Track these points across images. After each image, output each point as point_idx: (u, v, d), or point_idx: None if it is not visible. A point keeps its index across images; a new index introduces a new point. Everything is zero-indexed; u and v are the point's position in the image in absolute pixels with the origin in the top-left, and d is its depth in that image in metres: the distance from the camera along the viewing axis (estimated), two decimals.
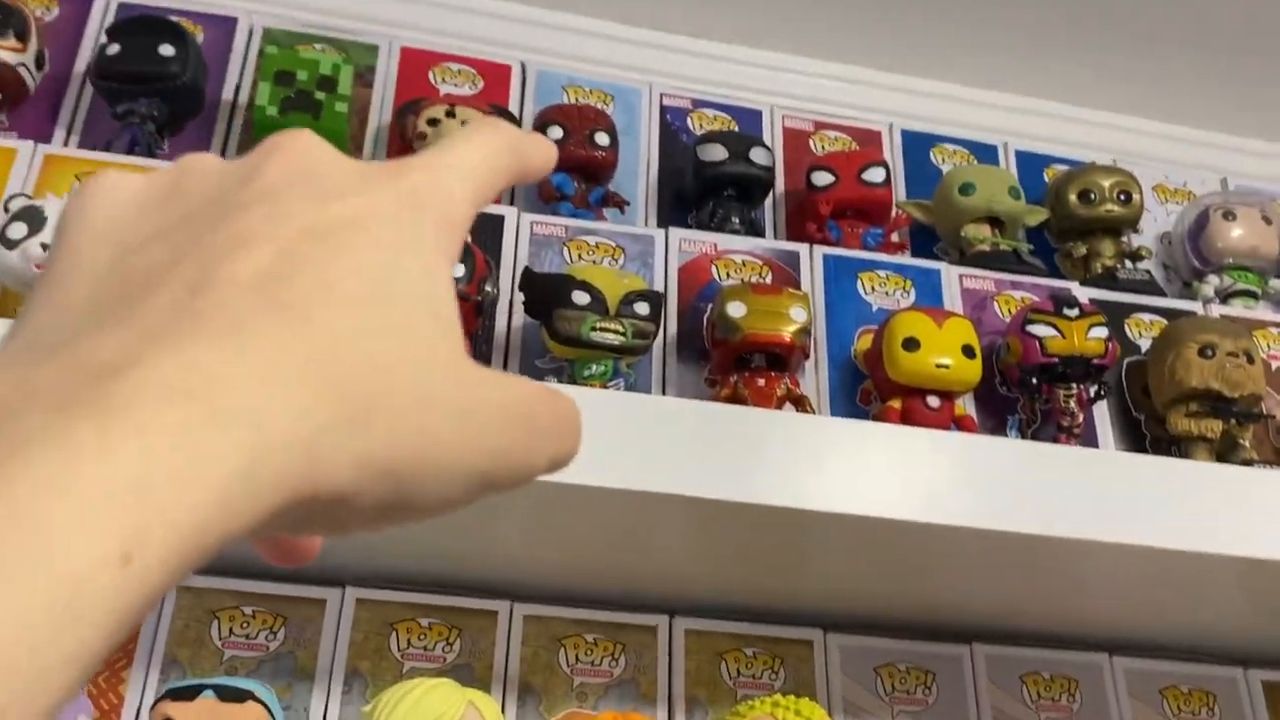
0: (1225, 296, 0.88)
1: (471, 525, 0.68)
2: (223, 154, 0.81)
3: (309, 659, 0.67)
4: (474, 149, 0.25)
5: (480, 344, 0.72)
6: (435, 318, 0.22)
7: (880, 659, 0.75)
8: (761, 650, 0.73)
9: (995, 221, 0.86)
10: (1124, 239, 0.89)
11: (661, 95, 0.92)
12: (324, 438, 0.19)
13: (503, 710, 0.68)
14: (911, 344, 0.71)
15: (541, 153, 0.27)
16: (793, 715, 0.64)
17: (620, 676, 0.71)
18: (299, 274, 0.20)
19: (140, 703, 0.65)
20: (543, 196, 0.81)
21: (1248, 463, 0.73)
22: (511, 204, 0.80)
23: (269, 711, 0.60)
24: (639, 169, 0.88)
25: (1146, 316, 0.83)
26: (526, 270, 0.71)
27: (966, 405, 0.76)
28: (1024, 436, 0.76)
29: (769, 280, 0.78)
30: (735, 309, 0.70)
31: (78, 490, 0.16)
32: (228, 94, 0.83)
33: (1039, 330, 0.73)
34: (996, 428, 0.77)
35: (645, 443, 0.61)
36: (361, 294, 0.21)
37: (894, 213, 0.87)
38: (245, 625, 0.68)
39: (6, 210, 0.66)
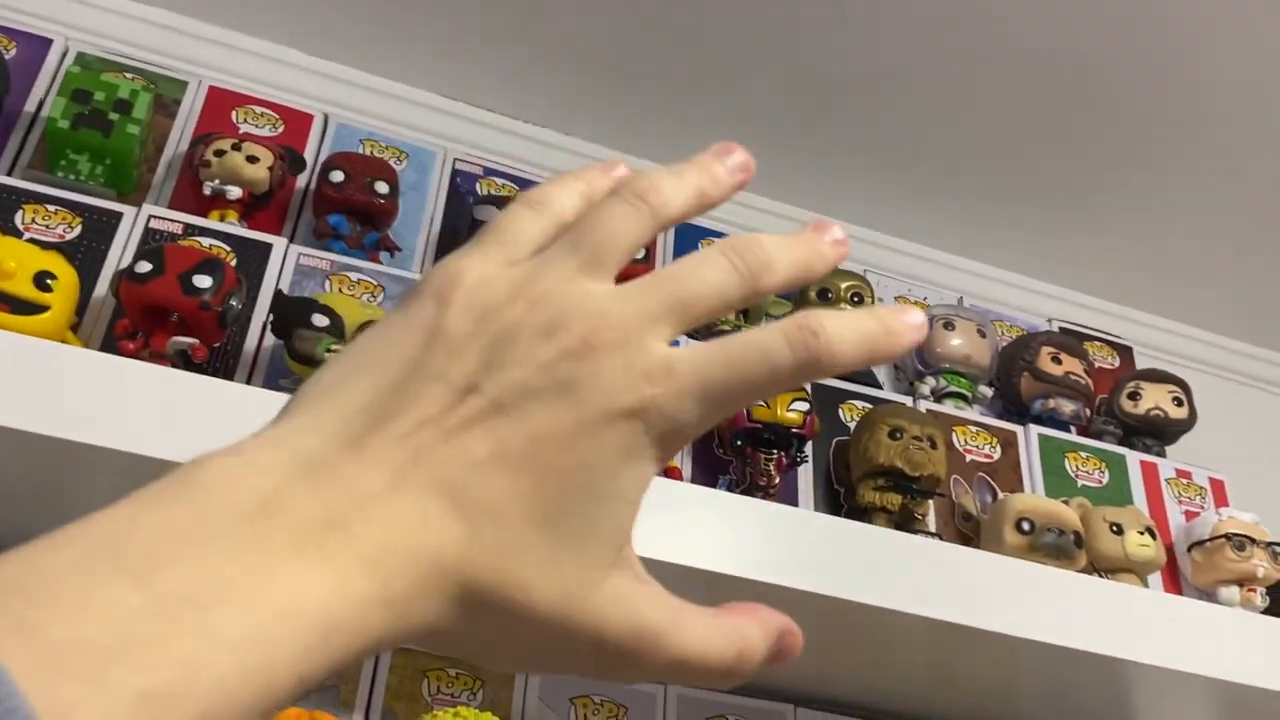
0: (940, 396, 0.98)
1: None
2: (13, 163, 0.85)
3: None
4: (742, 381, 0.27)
5: (228, 359, 0.77)
6: (617, 534, 0.26)
7: (577, 690, 0.80)
8: (464, 671, 0.78)
9: (746, 312, 0.95)
10: None
11: (455, 159, 1.00)
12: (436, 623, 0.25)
13: None
14: None
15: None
16: None
17: (321, 683, 0.74)
18: (488, 481, 0.25)
19: None
20: (317, 234, 0.87)
21: (923, 532, 0.82)
22: (288, 238, 0.85)
23: None
24: (422, 222, 0.95)
25: (859, 403, 0.92)
26: (276, 292, 0.76)
27: (684, 462, 0.84)
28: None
29: None
30: None
31: (291, 610, 0.23)
32: (30, 106, 0.88)
33: None
34: (709, 485, 0.84)
35: None
36: (531, 509, 0.25)
37: None
38: None
39: None
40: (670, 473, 0.79)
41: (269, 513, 0.23)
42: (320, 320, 0.72)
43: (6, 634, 0.19)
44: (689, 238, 1.04)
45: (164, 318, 0.70)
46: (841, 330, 0.27)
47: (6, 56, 0.87)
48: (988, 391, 1.00)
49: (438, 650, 0.27)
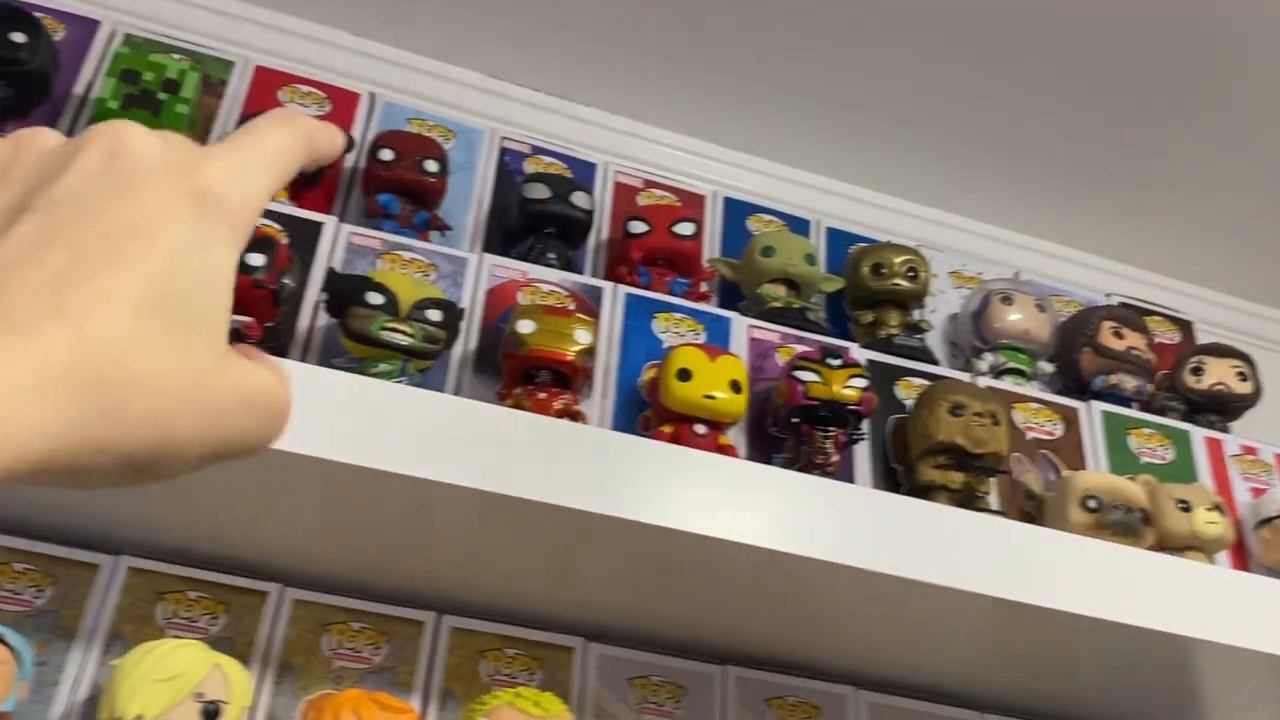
0: (998, 373, 0.96)
1: (254, 510, 0.71)
2: None
3: (72, 619, 0.69)
4: (271, 141, 0.29)
5: (281, 338, 0.76)
6: (206, 316, 0.26)
7: (636, 671, 0.79)
8: (522, 651, 0.77)
9: (793, 284, 0.93)
10: (910, 312, 0.97)
11: (502, 138, 0.98)
12: (70, 429, 0.23)
13: (260, 685, 0.70)
14: (685, 374, 0.76)
15: (329, 139, 0.31)
16: (531, 705, 0.68)
17: (380, 665, 0.74)
18: (88, 281, 0.24)
19: None
20: (368, 213, 0.86)
21: (986, 510, 0.80)
22: (339, 216, 0.84)
23: (15, 656, 0.62)
24: (471, 201, 0.94)
25: (916, 380, 0.90)
26: (329, 270, 0.75)
27: (740, 440, 0.82)
28: None
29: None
30: (525, 326, 0.75)
31: None
32: (79, 89, 0.88)
33: (803, 375, 0.79)
34: (764, 464, 0.82)
35: (429, 436, 0.65)
36: (140, 302, 0.25)
37: (703, 266, 0.94)
38: (14, 581, 0.69)
39: None
40: (725, 450, 0.78)
41: None
42: (375, 298, 0.72)
43: None
44: (738, 213, 1.03)
45: None
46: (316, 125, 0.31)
47: (56, 39, 0.87)
48: (1048, 367, 0.98)
49: (79, 477, 0.26)
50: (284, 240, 0.77)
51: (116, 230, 0.25)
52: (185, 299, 0.26)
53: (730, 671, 0.81)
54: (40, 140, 0.28)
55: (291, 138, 0.29)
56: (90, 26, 0.91)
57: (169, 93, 0.82)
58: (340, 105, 0.94)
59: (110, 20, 0.92)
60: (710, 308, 0.90)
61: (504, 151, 0.98)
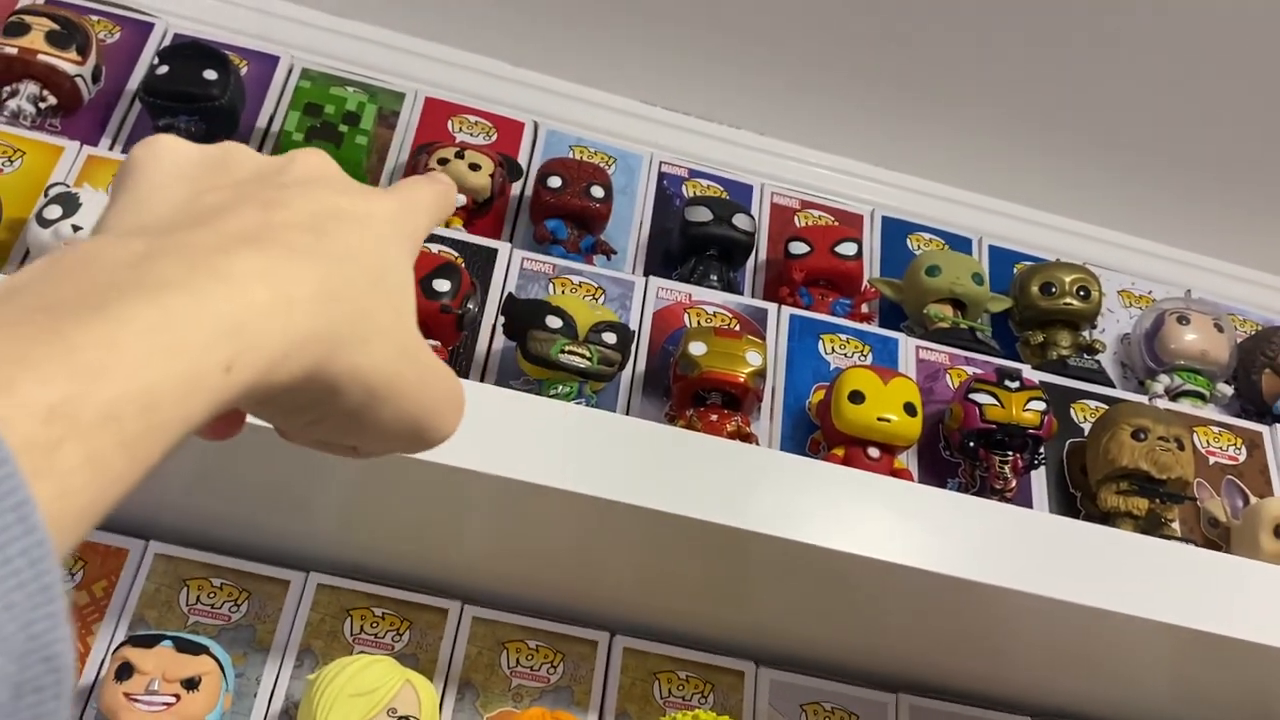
0: (1175, 395, 0.93)
1: (437, 528, 0.73)
2: None
3: (267, 633, 0.72)
4: (427, 193, 0.33)
5: (461, 360, 0.78)
6: (405, 294, 0.30)
7: (808, 697, 0.78)
8: (694, 674, 0.77)
9: (958, 304, 0.91)
10: (1082, 333, 0.94)
11: (660, 162, 0.99)
12: (337, 344, 0.27)
13: (441, 701, 0.72)
14: (857, 397, 0.76)
15: (450, 199, 0.35)
16: None
17: (556, 683, 0.75)
18: (325, 234, 0.28)
19: (105, 654, 0.69)
20: (537, 239, 0.88)
21: (1171, 538, 0.77)
22: (509, 241, 0.86)
23: (221, 668, 0.65)
24: (632, 225, 0.95)
25: (1092, 403, 0.88)
26: (508, 295, 0.77)
27: (910, 463, 0.81)
28: None
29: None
30: (697, 348, 0.76)
31: (204, 314, 0.23)
32: (261, 122, 0.91)
33: (980, 398, 0.78)
34: (938, 488, 0.81)
35: (606, 456, 0.66)
36: (364, 259, 0.28)
37: (864, 286, 0.93)
38: (212, 595, 0.72)
39: (46, 195, 0.73)
40: (900, 474, 0.77)
41: (150, 256, 0.24)
42: (554, 322, 0.73)
43: None
44: (897, 232, 1.02)
45: None
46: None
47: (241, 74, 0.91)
48: (1228, 389, 0.94)
49: (294, 419, 0.29)
50: (464, 267, 0.79)
51: (338, 208, 0.29)
52: (393, 272, 0.29)
53: (903, 700, 0.80)
54: (245, 149, 0.31)
55: (434, 194, 0.33)
56: (270, 62, 0.95)
57: (349, 124, 0.85)
58: (505, 134, 0.96)
59: (288, 56, 0.96)
60: (875, 328, 0.89)
61: (662, 176, 0.99)
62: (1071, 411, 0.87)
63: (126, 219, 0.28)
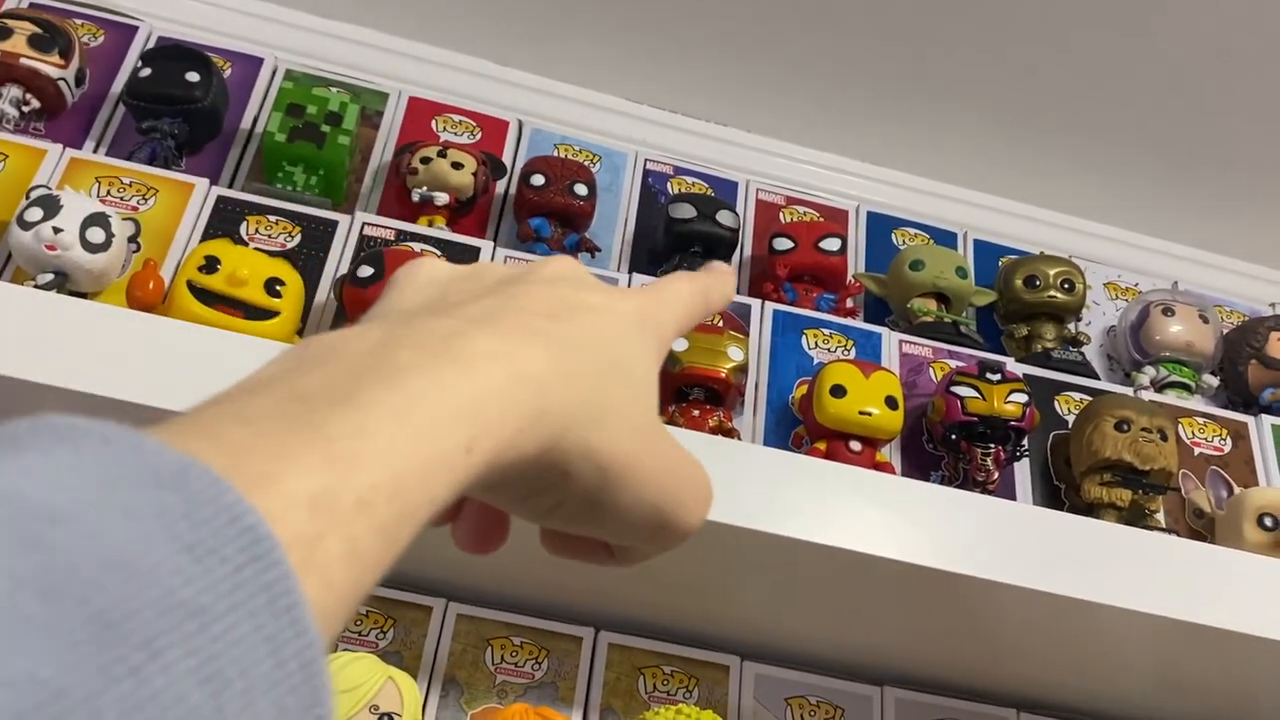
0: (1160, 387, 0.93)
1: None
2: (233, 175, 0.89)
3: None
4: (681, 289, 0.34)
5: None
6: (645, 385, 0.31)
7: (793, 690, 0.78)
8: (679, 669, 0.77)
9: (943, 298, 0.92)
10: (1067, 326, 0.94)
11: (645, 160, 1.00)
12: (570, 422, 0.27)
13: (425, 698, 0.72)
14: (839, 391, 0.76)
15: (720, 291, 0.36)
16: None
17: (541, 679, 0.75)
18: (562, 320, 0.28)
19: None
20: (521, 237, 0.88)
21: (1155, 529, 0.77)
22: (493, 240, 0.86)
23: None
24: (617, 223, 0.95)
25: (1076, 395, 0.88)
26: None
27: (893, 457, 0.81)
28: None
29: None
30: (678, 343, 0.76)
31: (443, 396, 0.24)
32: (245, 123, 0.92)
33: (961, 390, 0.78)
34: (921, 481, 0.81)
35: None
36: (601, 346, 0.29)
37: (849, 281, 0.93)
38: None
39: (28, 197, 0.73)
40: (882, 467, 0.77)
41: (388, 344, 0.25)
42: None
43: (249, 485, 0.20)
44: (882, 227, 1.02)
45: None
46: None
47: (224, 76, 0.91)
48: (1213, 381, 0.94)
49: (532, 504, 0.29)
50: None
51: (581, 303, 0.30)
52: (632, 362, 0.30)
53: (889, 692, 0.80)
54: (495, 264, 0.34)
55: (691, 291, 0.34)
56: (254, 64, 0.95)
57: (332, 125, 0.85)
58: (490, 133, 0.96)
59: (272, 57, 0.96)
60: (859, 323, 0.89)
61: (647, 173, 0.99)
62: (1056, 404, 0.87)
63: (373, 313, 0.30)
